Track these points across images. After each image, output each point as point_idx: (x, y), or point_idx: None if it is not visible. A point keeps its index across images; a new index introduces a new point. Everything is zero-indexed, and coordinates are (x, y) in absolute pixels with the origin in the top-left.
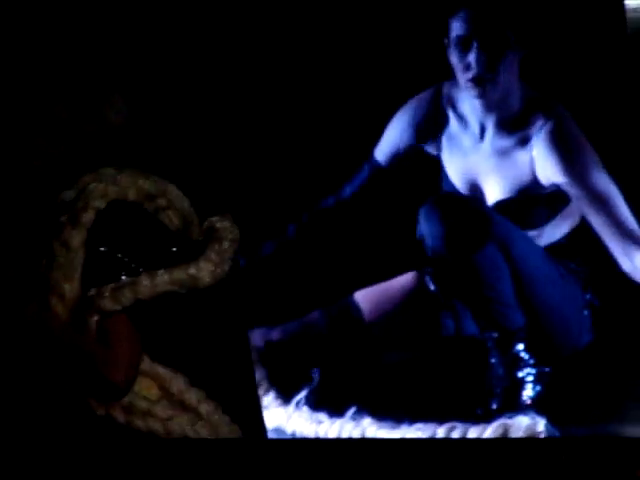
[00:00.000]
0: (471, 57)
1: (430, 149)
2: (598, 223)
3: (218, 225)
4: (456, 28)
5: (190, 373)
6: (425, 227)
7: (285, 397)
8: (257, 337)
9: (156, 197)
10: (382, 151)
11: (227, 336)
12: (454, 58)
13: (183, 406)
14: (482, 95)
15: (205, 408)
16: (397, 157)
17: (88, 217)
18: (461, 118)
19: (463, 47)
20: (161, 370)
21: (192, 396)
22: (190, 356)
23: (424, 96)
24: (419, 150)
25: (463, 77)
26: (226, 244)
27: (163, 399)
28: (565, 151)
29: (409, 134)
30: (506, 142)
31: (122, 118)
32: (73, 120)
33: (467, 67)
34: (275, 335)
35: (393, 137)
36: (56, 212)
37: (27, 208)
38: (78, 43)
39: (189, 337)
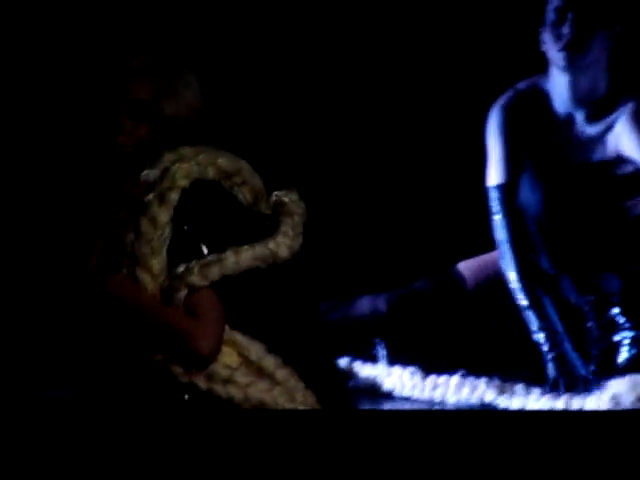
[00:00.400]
0: (565, 28)
1: None
2: None
3: (286, 199)
4: (554, 1)
5: (266, 340)
6: (526, 196)
7: (392, 361)
8: (365, 305)
9: (232, 175)
10: None
11: (300, 304)
12: (547, 34)
13: (261, 373)
14: (571, 64)
15: (281, 374)
16: None
17: (174, 196)
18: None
19: (559, 19)
20: (240, 337)
21: (269, 362)
22: (266, 324)
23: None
24: None
25: (555, 48)
26: (297, 218)
27: (242, 366)
28: None
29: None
30: (594, 130)
31: (196, 96)
32: (155, 100)
33: (559, 37)
34: (381, 302)
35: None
36: (142, 191)
37: (110, 186)
38: (156, 25)
39: (265, 306)
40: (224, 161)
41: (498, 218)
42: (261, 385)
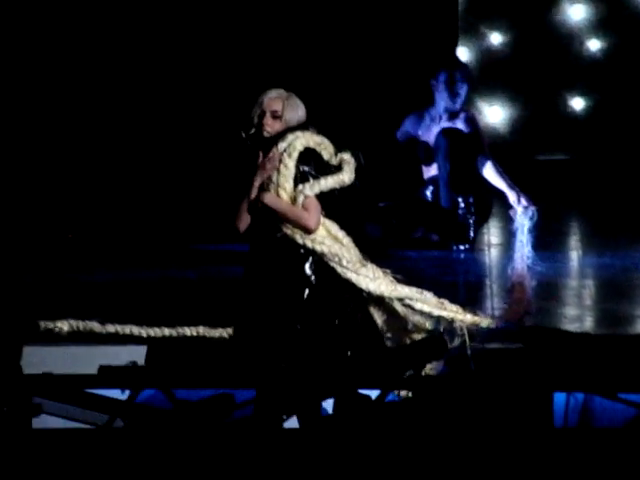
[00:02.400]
0: (461, 90)
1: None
2: None
3: (345, 156)
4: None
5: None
6: None
7: None
8: None
9: (320, 144)
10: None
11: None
12: (445, 88)
13: (336, 239)
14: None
15: (346, 240)
16: None
17: (295, 154)
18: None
19: (457, 86)
20: (327, 221)
21: (340, 234)
22: (337, 215)
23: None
24: None
25: (448, 96)
26: (350, 165)
27: (327, 235)
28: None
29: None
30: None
31: (300, 109)
32: (282, 110)
33: (456, 95)
34: None
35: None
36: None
37: (260, 153)
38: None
39: (336, 207)
40: (316, 138)
41: None
42: (336, 245)
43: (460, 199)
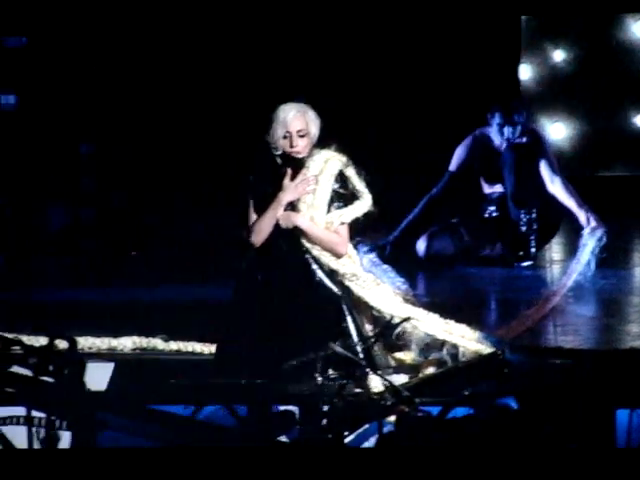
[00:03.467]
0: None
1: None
2: None
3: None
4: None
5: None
6: None
7: None
8: None
9: (347, 164)
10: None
11: None
12: (498, 124)
13: (353, 260)
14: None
15: (361, 263)
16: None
17: (331, 176)
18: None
19: (505, 128)
20: (350, 248)
21: (357, 258)
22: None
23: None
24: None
25: (500, 132)
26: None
27: (349, 259)
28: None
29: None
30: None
31: (319, 121)
32: (307, 127)
33: (503, 134)
34: None
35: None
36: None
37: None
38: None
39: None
40: (342, 157)
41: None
42: (354, 266)
43: (522, 214)
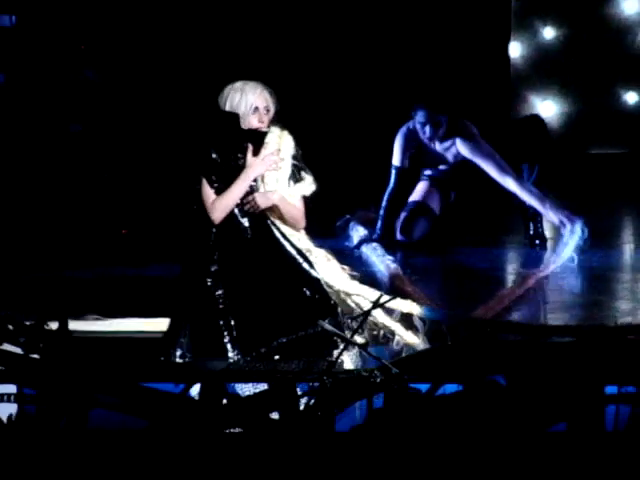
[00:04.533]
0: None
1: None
2: None
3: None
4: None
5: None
6: None
7: None
8: None
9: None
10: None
11: None
12: (420, 123)
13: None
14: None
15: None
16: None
17: (291, 150)
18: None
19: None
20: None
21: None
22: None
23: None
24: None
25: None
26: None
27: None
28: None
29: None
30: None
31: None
32: (271, 105)
33: (424, 133)
34: None
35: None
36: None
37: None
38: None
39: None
40: (287, 132)
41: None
42: (307, 241)
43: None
